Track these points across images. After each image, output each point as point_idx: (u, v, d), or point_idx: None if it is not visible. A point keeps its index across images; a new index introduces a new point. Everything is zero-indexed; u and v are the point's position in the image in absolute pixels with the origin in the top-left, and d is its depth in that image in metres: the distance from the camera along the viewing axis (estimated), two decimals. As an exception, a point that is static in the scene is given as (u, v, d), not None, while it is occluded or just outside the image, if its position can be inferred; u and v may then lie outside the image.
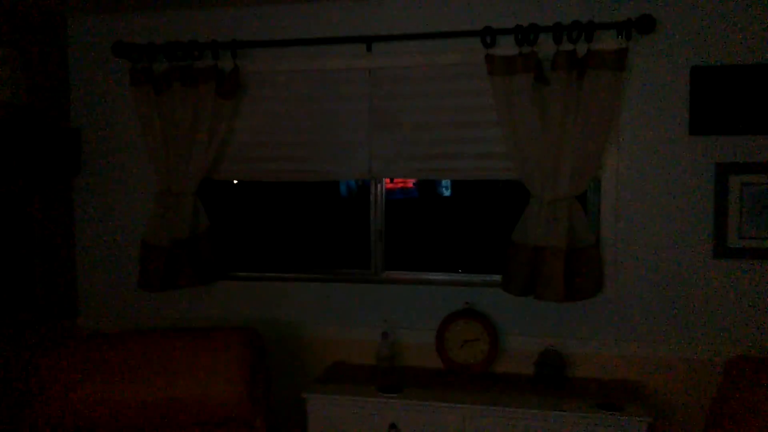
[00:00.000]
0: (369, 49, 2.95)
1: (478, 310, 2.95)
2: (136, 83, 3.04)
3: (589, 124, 2.66)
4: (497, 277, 2.95)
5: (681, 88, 2.72)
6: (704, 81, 2.68)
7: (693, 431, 2.74)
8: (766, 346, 2.68)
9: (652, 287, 2.80)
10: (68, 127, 3.26)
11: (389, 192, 3.23)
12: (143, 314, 3.27)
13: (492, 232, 3.40)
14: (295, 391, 2.81)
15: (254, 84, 3.07)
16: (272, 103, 3.08)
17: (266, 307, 3.17)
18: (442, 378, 2.86)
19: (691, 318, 2.77)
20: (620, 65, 2.62)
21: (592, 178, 2.77)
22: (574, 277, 2.71)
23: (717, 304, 2.74)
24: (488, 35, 2.75)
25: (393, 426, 2.60)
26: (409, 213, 3.65)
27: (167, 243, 3.02)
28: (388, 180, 3.18)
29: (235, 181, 3.41)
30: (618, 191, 2.80)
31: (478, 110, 2.88)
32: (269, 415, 2.75)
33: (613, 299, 2.83)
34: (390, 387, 2.70)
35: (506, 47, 2.74)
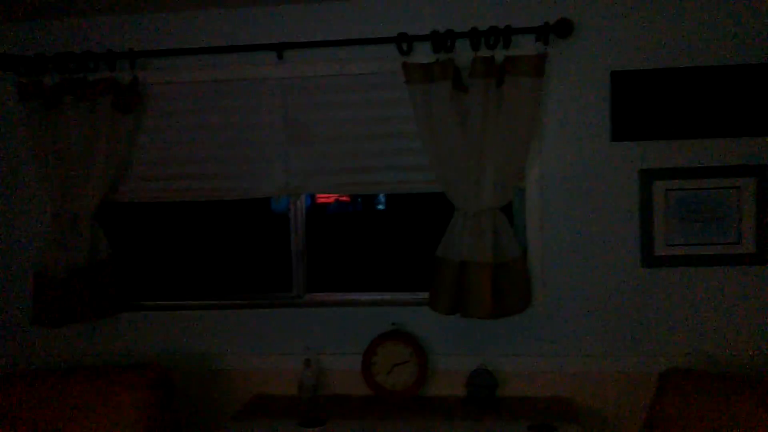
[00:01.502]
0: (280, 57, 2.77)
1: (407, 330, 2.79)
2: (24, 98, 2.76)
3: (511, 132, 2.56)
4: (424, 295, 2.81)
5: (601, 94, 2.66)
6: (625, 86, 2.63)
7: (628, 447, 2.66)
8: (699, 356, 2.63)
9: (581, 299, 2.71)
10: (-51, 148, 2.94)
11: (324, 206, 3.05)
12: (37, 352, 2.95)
13: (420, 247, 3.26)
14: (210, 430, 2.57)
15: (157, 96, 2.84)
16: (178, 116, 2.86)
17: (178, 339, 2.92)
18: (370, 406, 2.68)
19: (622, 330, 2.69)
20: (539, 71, 2.54)
21: (516, 188, 2.67)
22: (502, 292, 2.59)
23: (648, 315, 2.68)
24: (404, 42, 2.63)
25: (315, 463, 2.40)
26: (340, 228, 3.47)
27: (63, 273, 2.74)
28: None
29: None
30: (543, 201, 2.71)
31: (397, 121, 2.75)
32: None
33: (542, 313, 2.73)
34: (312, 420, 2.50)
35: (423, 55, 2.62)
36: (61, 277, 2.74)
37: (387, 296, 2.93)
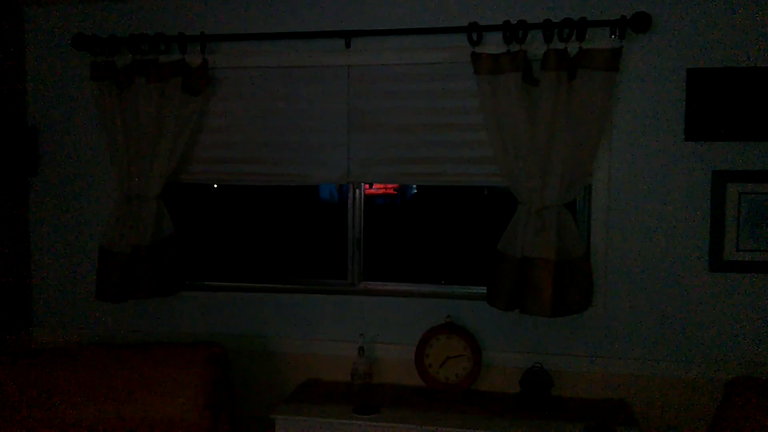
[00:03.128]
0: (348, 45, 2.77)
1: (461, 324, 2.77)
2: (97, 78, 2.83)
3: (581, 127, 2.50)
4: (480, 289, 2.78)
5: (677, 91, 2.57)
6: (701, 84, 2.54)
7: (688, 456, 2.59)
8: (762, 365, 2.53)
9: (644, 302, 2.64)
10: (24, 125, 3.03)
11: (371, 197, 3.05)
12: (101, 326, 3.04)
13: (475, 240, 3.23)
14: (263, 411, 2.60)
15: (224, 80, 2.88)
16: (244, 100, 2.89)
17: (234, 320, 2.96)
18: (422, 397, 2.67)
19: (685, 335, 2.61)
20: (614, 65, 2.47)
21: (584, 185, 2.61)
22: (563, 290, 2.54)
23: (713, 321, 2.59)
24: (474, 32, 2.59)
25: (368, 450, 2.41)
26: (389, 219, 3.46)
27: (127, 250, 2.81)
28: (367, 185, 3.00)
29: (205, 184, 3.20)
30: (610, 199, 2.64)
31: (463, 112, 2.71)
32: (234, 438, 2.54)
33: (603, 314, 2.67)
34: (366, 408, 2.51)
35: (493, 45, 2.58)
36: (126, 253, 2.81)
37: (442, 288, 2.91)
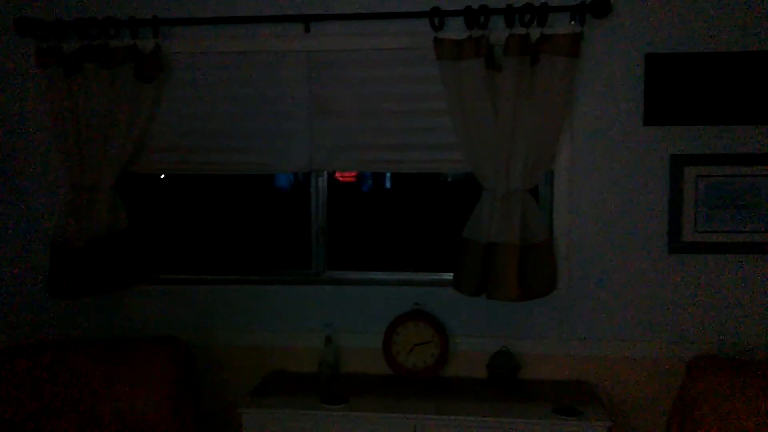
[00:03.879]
0: (307, 29, 2.70)
1: (428, 311, 2.76)
2: (43, 65, 2.68)
3: (543, 113, 2.51)
4: (446, 276, 2.78)
5: (635, 77, 2.61)
6: (659, 69, 2.58)
7: (651, 433, 2.66)
8: (726, 344, 2.61)
9: (606, 284, 2.69)
10: (-36, 114, 2.87)
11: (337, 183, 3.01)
12: (54, 324, 2.91)
13: (440, 227, 3.22)
14: (229, 405, 2.55)
15: (179, 66, 2.77)
16: (199, 87, 2.79)
17: (195, 313, 2.88)
18: (390, 385, 2.66)
19: (647, 316, 2.67)
20: (575, 51, 2.48)
21: (547, 170, 2.63)
22: (528, 274, 2.56)
23: (674, 301, 2.66)
24: (436, 17, 2.56)
25: (338, 441, 2.39)
26: (351, 208, 3.41)
27: (81, 243, 2.69)
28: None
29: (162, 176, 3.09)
30: (571, 184, 2.67)
31: (426, 98, 2.69)
32: (200, 433, 2.48)
33: (566, 297, 2.71)
34: (335, 397, 2.48)
35: (456, 30, 2.56)
36: (79, 247, 2.69)
37: (408, 276, 2.89)
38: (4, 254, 2.92)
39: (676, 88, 2.57)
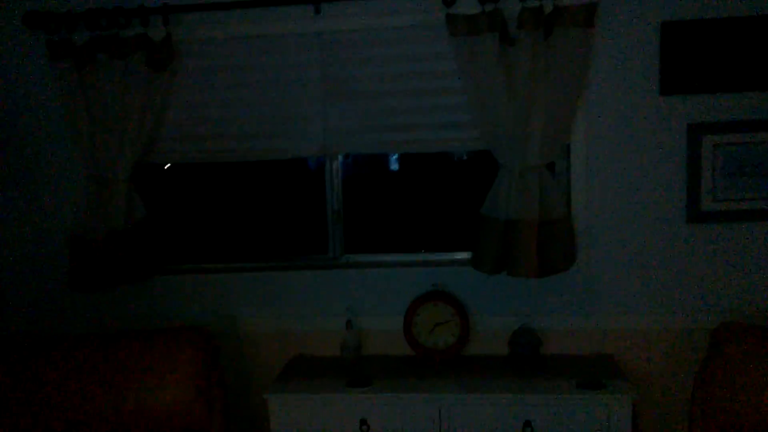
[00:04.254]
0: (318, 11, 2.68)
1: (447, 291, 2.76)
2: (55, 57, 2.68)
3: (559, 86, 2.49)
4: (464, 255, 2.78)
5: (651, 46, 2.57)
6: (675, 37, 2.54)
7: (676, 404, 2.65)
8: (744, 312, 2.60)
9: (625, 256, 2.68)
10: (-23, 110, 2.87)
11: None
12: (75, 317, 2.93)
13: (456, 206, 3.21)
14: (254, 391, 2.56)
15: (190, 53, 2.76)
16: (211, 74, 2.78)
17: (215, 302, 2.89)
18: (413, 366, 2.67)
19: (668, 286, 2.66)
20: (589, 21, 2.45)
21: (564, 144, 2.61)
22: (548, 250, 2.55)
23: (694, 271, 2.64)
24: (448, -8, 2.53)
25: (364, 422, 2.40)
26: (361, 191, 3.40)
27: (100, 236, 2.70)
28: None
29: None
30: (588, 157, 2.65)
31: (440, 76, 2.67)
32: (227, 421, 2.49)
33: (586, 271, 2.70)
34: (358, 380, 2.49)
35: (466, 6, 2.53)
36: (98, 240, 2.70)
37: (425, 257, 2.89)
38: (22, 249, 2.93)
39: (692, 56, 2.54)
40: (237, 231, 3.29)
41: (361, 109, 2.72)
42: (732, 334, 2.29)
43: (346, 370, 2.62)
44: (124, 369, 2.40)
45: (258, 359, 2.86)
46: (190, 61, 2.77)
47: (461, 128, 2.68)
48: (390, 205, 3.45)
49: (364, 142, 2.77)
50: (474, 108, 2.55)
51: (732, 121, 2.57)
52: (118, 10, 2.66)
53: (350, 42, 2.69)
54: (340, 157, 2.89)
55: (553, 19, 2.47)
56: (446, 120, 2.69)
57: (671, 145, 2.61)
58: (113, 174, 2.71)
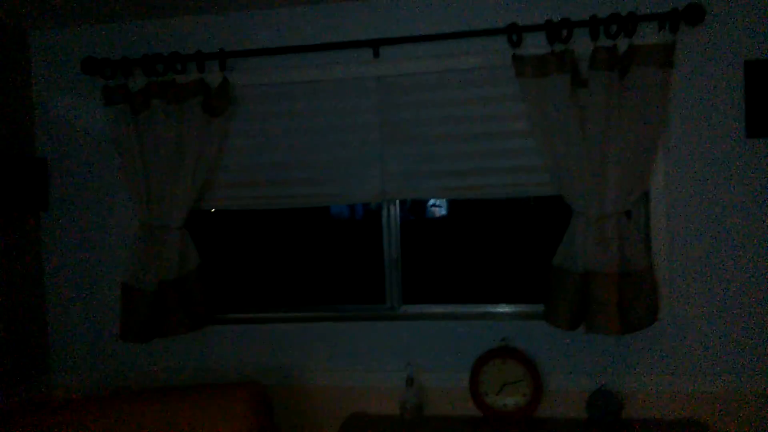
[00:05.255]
0: (376, 54, 2.60)
1: (516, 347, 2.57)
2: (110, 103, 2.64)
3: (636, 128, 2.33)
4: (533, 307, 2.61)
5: (735, 86, 2.41)
6: (761, 76, 2.37)
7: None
8: None
9: (713, 312, 2.46)
10: (33, 156, 2.84)
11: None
12: (125, 368, 2.83)
13: (518, 255, 3.04)
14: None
15: (246, 99, 2.70)
16: (268, 119, 2.71)
17: (267, 353, 2.76)
18: (479, 428, 2.47)
19: (757, 347, 2.43)
20: (668, 61, 2.30)
21: (643, 190, 2.43)
22: (628, 305, 2.36)
23: (791, 329, 2.41)
24: (514, 33, 2.42)
25: (431, 493, 2.20)
26: (424, 237, 3.27)
27: (152, 285, 2.61)
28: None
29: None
30: (669, 205, 2.47)
31: (505, 119, 2.54)
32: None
33: (669, 328, 2.48)
34: (422, 444, 2.31)
35: (533, 46, 2.42)
36: (151, 289, 2.61)
37: (491, 308, 2.71)
38: (75, 297, 2.86)
39: (781, 96, 2.36)
40: (286, 279, 3.18)
41: (421, 153, 2.60)
42: None
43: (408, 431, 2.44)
44: (176, 426, 2.26)
45: (313, 415, 2.70)
46: (247, 106, 2.70)
47: (530, 172, 2.53)
48: (448, 252, 3.29)
49: (423, 187, 2.64)
50: (544, 151, 2.41)
51: (827, 164, 2.37)
52: (175, 56, 2.62)
53: (410, 85, 2.60)
54: (398, 203, 2.77)
55: (629, 59, 2.33)
56: (512, 164, 2.55)
57: (759, 191, 2.42)
58: (167, 221, 2.63)
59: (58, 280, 2.87)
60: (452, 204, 3.41)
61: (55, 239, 2.86)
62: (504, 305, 2.69)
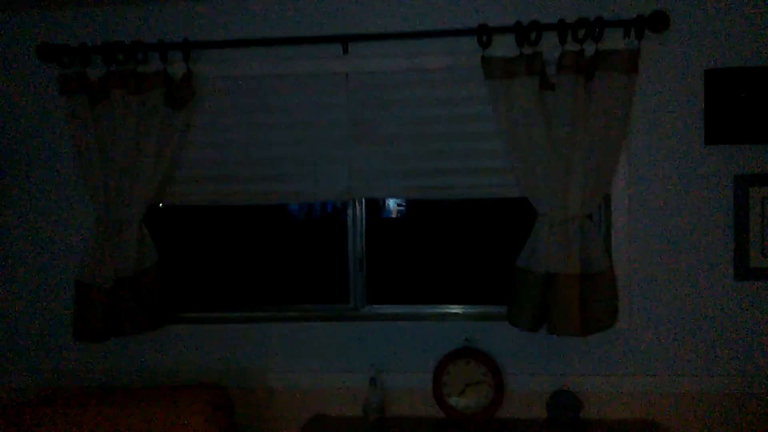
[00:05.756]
0: (345, 50, 2.57)
1: (480, 348, 2.58)
2: (67, 92, 2.54)
3: (601, 133, 2.37)
4: (496, 308, 2.62)
5: (695, 93, 2.47)
6: (720, 85, 2.44)
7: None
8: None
9: (669, 315, 2.51)
10: (-18, 146, 2.71)
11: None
12: (80, 368, 2.72)
13: (477, 256, 3.05)
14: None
15: (210, 91, 2.63)
16: (232, 113, 2.64)
17: (227, 354, 2.69)
18: (442, 429, 2.46)
19: (716, 347, 2.49)
20: (633, 67, 2.35)
21: (605, 193, 2.47)
22: (590, 306, 2.39)
23: (744, 332, 2.48)
24: (484, 34, 2.42)
25: (393, 494, 2.19)
26: (385, 237, 3.25)
27: (108, 282, 2.52)
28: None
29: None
30: (630, 209, 2.51)
31: (472, 120, 2.54)
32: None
33: (628, 330, 2.53)
34: (384, 445, 2.29)
35: (503, 48, 2.42)
36: (106, 287, 2.52)
37: (455, 309, 2.71)
38: (26, 295, 2.74)
39: (738, 105, 2.43)
40: (246, 277, 3.11)
41: (389, 152, 2.59)
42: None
43: (371, 434, 2.41)
44: (133, 428, 2.18)
45: (275, 417, 2.64)
46: (211, 98, 2.64)
47: (495, 174, 2.54)
48: (414, 253, 3.29)
49: (389, 187, 2.62)
50: (510, 154, 2.42)
51: (781, 172, 2.45)
52: (137, 45, 2.54)
53: (378, 83, 2.57)
54: (363, 202, 2.74)
55: (595, 64, 2.36)
56: (478, 165, 2.55)
57: (717, 197, 2.48)
58: (125, 216, 2.54)
59: (8, 277, 2.74)
60: (411, 204, 3.39)
61: (5, 234, 2.73)
62: (467, 306, 2.69)
